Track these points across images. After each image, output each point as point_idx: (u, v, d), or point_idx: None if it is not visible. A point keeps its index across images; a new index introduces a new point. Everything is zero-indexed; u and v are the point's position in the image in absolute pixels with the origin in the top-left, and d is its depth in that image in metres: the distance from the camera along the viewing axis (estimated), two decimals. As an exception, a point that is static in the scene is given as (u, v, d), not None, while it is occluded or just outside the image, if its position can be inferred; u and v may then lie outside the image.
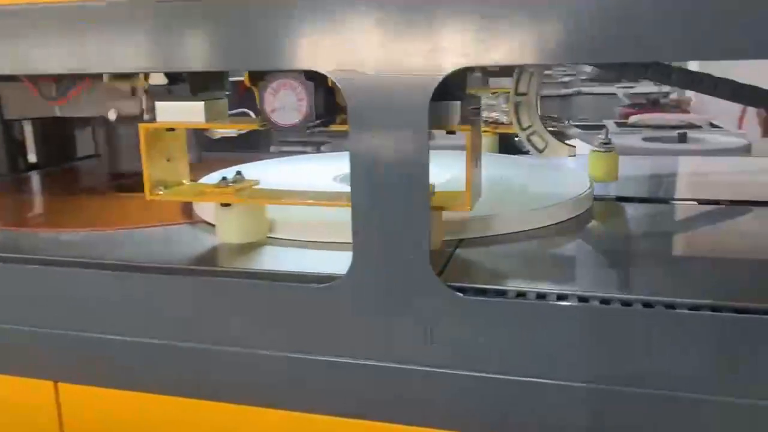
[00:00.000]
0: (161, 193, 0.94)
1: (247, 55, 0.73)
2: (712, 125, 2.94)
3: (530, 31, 0.64)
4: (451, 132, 0.82)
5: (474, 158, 0.82)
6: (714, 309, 0.68)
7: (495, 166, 1.29)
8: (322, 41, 0.69)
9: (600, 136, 1.24)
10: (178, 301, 0.82)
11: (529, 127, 1.16)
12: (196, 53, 0.74)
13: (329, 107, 0.85)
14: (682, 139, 2.17)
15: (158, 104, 0.89)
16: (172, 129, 0.94)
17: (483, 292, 0.75)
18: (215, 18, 0.72)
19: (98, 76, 1.28)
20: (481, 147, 0.93)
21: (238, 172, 0.95)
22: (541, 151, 1.19)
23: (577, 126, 3.25)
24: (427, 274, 0.72)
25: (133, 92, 1.35)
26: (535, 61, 0.65)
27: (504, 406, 0.73)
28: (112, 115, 1.34)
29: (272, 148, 2.43)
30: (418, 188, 0.70)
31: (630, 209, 1.15)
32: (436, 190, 0.86)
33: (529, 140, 1.17)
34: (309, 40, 0.70)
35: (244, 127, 1.01)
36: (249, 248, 0.92)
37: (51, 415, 0.90)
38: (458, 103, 0.80)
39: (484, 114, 1.40)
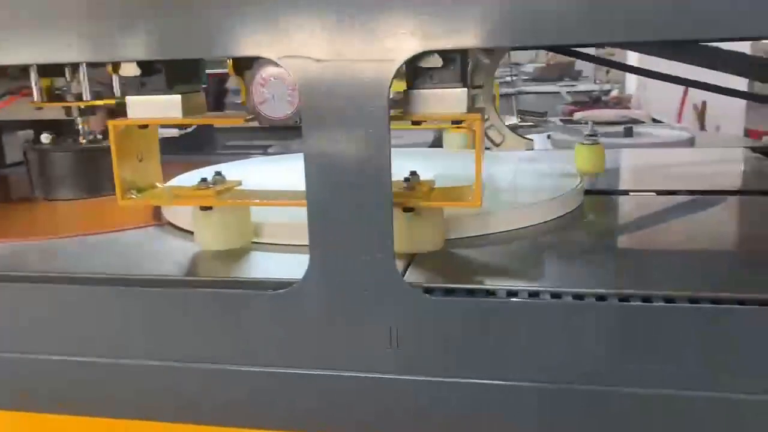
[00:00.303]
0: (134, 197, 0.85)
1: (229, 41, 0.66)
2: (654, 120, 3.00)
3: (490, 14, 0.60)
4: (457, 122, 0.77)
5: (482, 149, 0.76)
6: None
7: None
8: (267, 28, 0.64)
9: (585, 130, 1.21)
10: (120, 315, 0.75)
11: (486, 120, 1.13)
12: (172, 40, 0.67)
13: None
14: (628, 133, 2.19)
15: (130, 98, 0.80)
16: (145, 126, 0.86)
17: (451, 291, 0.70)
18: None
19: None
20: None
21: (218, 173, 0.87)
22: (498, 145, 1.17)
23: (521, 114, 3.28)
24: (392, 274, 0.67)
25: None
26: (498, 45, 0.62)
27: (468, 409, 0.68)
28: (45, 139, 1.26)
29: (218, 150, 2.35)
30: (379, 184, 0.66)
31: (607, 202, 1.13)
32: (436, 185, 0.81)
33: (485, 134, 1.15)
34: (255, 27, 0.64)
35: (227, 122, 0.93)
36: (231, 255, 0.84)
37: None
38: (465, 89, 0.73)
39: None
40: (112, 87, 1.26)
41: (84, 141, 1.26)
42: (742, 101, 3.28)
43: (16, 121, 1.46)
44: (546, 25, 0.60)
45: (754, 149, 1.56)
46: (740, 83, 1.32)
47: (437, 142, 1.78)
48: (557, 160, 1.30)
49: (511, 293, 0.69)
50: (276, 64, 0.68)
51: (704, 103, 4.11)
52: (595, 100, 4.94)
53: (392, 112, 0.72)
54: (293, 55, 0.64)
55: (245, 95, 0.77)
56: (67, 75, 1.26)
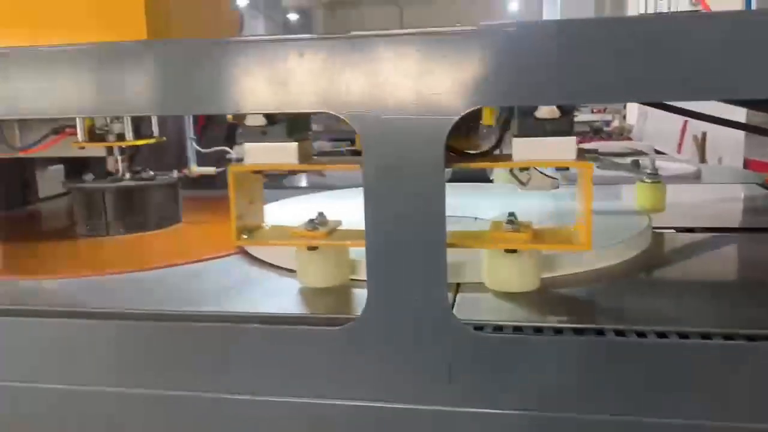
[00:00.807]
0: (246, 237, 0.91)
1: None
2: (656, 151, 3.06)
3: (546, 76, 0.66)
4: (564, 168, 0.81)
5: (591, 195, 0.80)
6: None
7: (539, 198, 1.27)
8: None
9: (647, 168, 1.25)
10: (187, 348, 0.80)
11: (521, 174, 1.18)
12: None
13: None
14: (635, 166, 2.24)
15: (249, 145, 0.85)
16: (259, 171, 0.91)
17: (500, 329, 0.75)
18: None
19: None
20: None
21: (320, 213, 0.91)
22: (524, 184, 1.22)
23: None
24: (446, 312, 0.72)
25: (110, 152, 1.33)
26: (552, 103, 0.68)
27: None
28: (88, 177, 1.31)
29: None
30: (435, 228, 0.71)
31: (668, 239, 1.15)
32: (535, 226, 0.86)
33: (513, 174, 1.20)
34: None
35: (342, 168, 0.97)
36: (332, 291, 0.89)
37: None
38: (573, 138, 0.79)
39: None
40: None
41: (128, 177, 1.32)
42: (740, 133, 3.35)
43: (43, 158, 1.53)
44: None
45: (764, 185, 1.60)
46: (739, 114, 1.36)
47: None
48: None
49: (558, 330, 0.74)
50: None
51: (704, 134, 4.17)
52: (596, 131, 5.01)
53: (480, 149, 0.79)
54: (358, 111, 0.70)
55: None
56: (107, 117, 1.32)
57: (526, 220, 0.88)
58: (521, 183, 1.21)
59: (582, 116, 5.93)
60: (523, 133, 0.80)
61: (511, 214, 0.87)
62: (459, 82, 0.68)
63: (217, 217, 1.47)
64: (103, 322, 0.82)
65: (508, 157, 0.83)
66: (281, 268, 1.00)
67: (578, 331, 0.74)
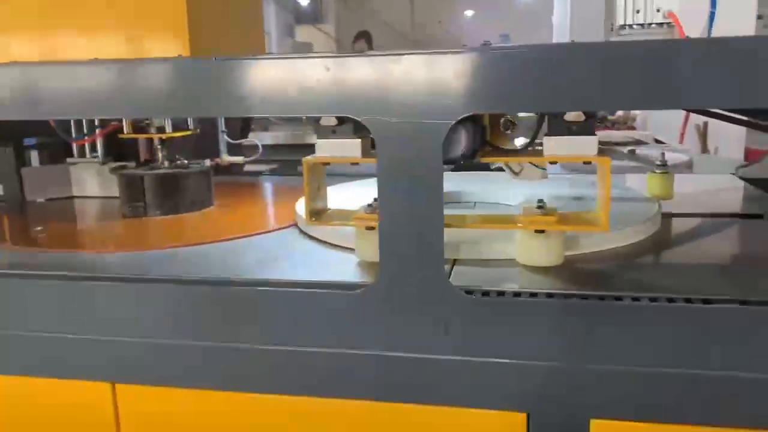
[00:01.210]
0: (314, 220, 1.07)
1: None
2: (657, 141, 3.19)
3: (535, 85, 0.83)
4: (587, 162, 0.97)
5: (608, 184, 0.96)
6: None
7: (560, 187, 1.45)
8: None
9: (657, 160, 1.40)
10: (240, 310, 0.97)
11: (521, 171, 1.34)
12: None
13: (479, 142, 1.01)
14: (633, 155, 2.39)
15: (320, 141, 1.01)
16: (327, 163, 1.07)
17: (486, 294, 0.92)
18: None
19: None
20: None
21: (376, 199, 1.03)
22: (517, 174, 1.38)
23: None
24: (443, 280, 0.89)
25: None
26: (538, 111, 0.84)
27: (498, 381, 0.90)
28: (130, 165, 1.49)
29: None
30: (435, 212, 0.88)
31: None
32: (559, 210, 1.00)
33: (507, 164, 1.36)
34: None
35: None
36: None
37: (108, 415, 1.03)
38: (595, 137, 0.95)
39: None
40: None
41: (166, 165, 1.49)
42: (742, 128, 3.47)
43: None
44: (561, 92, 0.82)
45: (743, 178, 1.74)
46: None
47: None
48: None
49: (533, 294, 0.91)
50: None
51: (705, 124, 4.28)
52: (600, 120, 5.12)
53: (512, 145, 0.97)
54: (376, 116, 0.86)
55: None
56: None
57: (552, 205, 1.03)
58: (514, 173, 1.37)
59: (588, 104, 6.02)
60: (553, 133, 0.96)
61: (540, 200, 1.02)
62: (454, 93, 0.84)
63: (245, 201, 1.65)
64: (174, 285, 1.01)
65: (539, 153, 1.00)
66: (331, 243, 1.18)
67: (550, 296, 0.91)
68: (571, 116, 0.94)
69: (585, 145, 0.96)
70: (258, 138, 1.60)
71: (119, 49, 1.22)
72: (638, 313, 0.86)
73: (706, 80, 0.79)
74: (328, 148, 1.02)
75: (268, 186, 1.92)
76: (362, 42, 8.01)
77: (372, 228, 1.02)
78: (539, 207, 1.01)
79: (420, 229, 0.89)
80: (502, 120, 1.08)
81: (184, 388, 1.01)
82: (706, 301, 0.87)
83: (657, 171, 1.39)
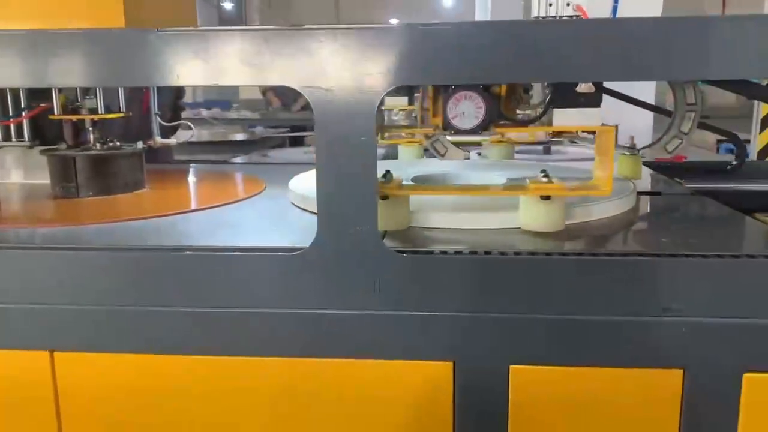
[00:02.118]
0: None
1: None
2: (571, 141, 3.40)
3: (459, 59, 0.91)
4: (592, 132, 1.04)
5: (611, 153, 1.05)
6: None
7: (528, 170, 1.51)
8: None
9: (626, 144, 1.50)
10: (177, 274, 1.01)
11: (433, 135, 1.44)
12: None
13: (494, 114, 1.06)
14: (547, 151, 2.56)
15: None
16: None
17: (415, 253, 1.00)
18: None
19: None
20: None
21: (388, 171, 1.11)
22: (442, 155, 1.47)
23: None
24: (378, 241, 0.96)
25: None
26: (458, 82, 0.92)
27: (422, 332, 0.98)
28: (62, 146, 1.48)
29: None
30: (368, 177, 0.95)
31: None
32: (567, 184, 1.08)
33: (433, 146, 1.45)
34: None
35: (418, 131, 1.23)
36: (397, 234, 1.10)
37: (47, 384, 1.04)
38: (598, 109, 1.02)
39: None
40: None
41: (98, 147, 1.49)
42: (649, 120, 3.74)
43: None
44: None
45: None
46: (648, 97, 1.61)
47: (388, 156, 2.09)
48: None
49: (458, 252, 0.99)
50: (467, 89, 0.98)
51: (617, 126, 4.58)
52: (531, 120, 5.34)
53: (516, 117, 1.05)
54: (311, 85, 0.93)
55: (432, 111, 1.03)
56: (78, 93, 1.50)
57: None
58: (440, 154, 1.46)
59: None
60: (562, 105, 1.04)
61: (544, 170, 1.10)
62: (384, 65, 0.91)
63: (178, 184, 1.67)
64: (111, 252, 1.04)
65: (549, 123, 1.07)
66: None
67: (473, 253, 0.99)
68: (582, 88, 1.01)
69: (590, 117, 1.04)
70: (186, 124, 1.62)
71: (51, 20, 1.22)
72: (545, 266, 0.96)
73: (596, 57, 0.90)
74: None
75: (199, 171, 1.94)
76: None
77: (386, 198, 1.07)
78: (545, 176, 1.08)
79: (355, 192, 0.95)
80: (512, 94, 1.14)
81: (122, 353, 1.03)
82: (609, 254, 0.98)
83: (627, 153, 1.52)
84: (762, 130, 5.06)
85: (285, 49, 0.93)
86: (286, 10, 15.42)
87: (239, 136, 4.35)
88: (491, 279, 0.97)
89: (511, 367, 0.97)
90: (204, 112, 5.60)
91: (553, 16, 1.34)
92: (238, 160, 2.53)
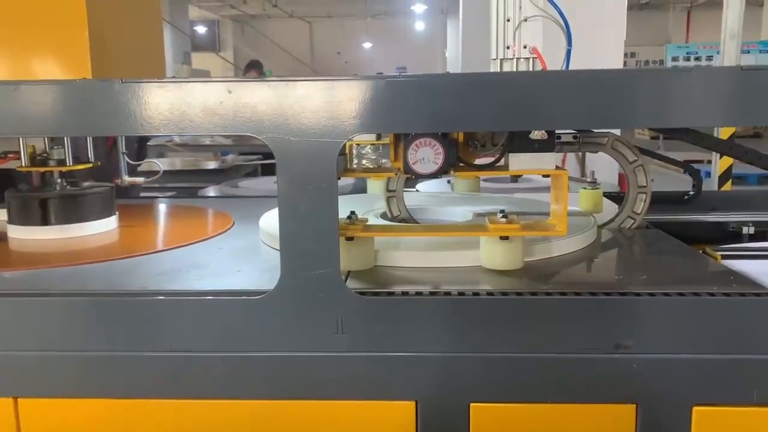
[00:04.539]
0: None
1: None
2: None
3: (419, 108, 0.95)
4: (546, 175, 1.08)
5: (565, 195, 1.09)
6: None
7: (493, 203, 1.55)
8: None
9: (587, 177, 1.54)
10: (142, 319, 1.02)
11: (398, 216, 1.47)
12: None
13: (453, 158, 1.09)
14: (514, 179, 2.61)
15: None
16: None
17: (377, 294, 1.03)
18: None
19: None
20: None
21: (353, 212, 1.13)
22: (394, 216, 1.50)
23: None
24: (339, 283, 0.99)
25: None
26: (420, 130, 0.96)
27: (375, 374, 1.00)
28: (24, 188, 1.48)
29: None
30: (330, 220, 0.97)
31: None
32: (521, 221, 1.10)
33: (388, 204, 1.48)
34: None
35: (382, 176, 1.25)
36: (362, 274, 1.12)
37: (11, 430, 1.04)
38: (553, 154, 1.07)
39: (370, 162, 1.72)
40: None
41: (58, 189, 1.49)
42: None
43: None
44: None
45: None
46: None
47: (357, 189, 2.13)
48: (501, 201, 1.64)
49: (419, 293, 1.02)
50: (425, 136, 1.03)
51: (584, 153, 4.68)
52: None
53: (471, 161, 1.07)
54: (274, 134, 0.95)
55: (394, 155, 1.08)
56: (45, 143, 1.49)
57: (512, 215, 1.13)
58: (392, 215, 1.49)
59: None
60: (517, 150, 1.09)
61: (502, 210, 1.13)
62: (346, 115, 0.95)
63: (143, 221, 1.67)
64: (75, 298, 1.05)
65: (505, 168, 1.12)
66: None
67: (434, 293, 1.02)
68: (535, 134, 1.06)
69: (545, 161, 1.09)
70: (154, 164, 1.64)
71: (17, 70, 1.24)
72: (502, 306, 0.99)
73: (556, 104, 0.94)
74: None
75: (167, 207, 1.95)
76: (254, 72, 8.07)
77: (351, 239, 1.10)
78: (504, 216, 1.12)
79: (317, 236, 0.98)
80: (470, 139, 1.16)
81: (87, 398, 1.04)
82: (563, 294, 1.01)
83: (588, 187, 1.56)
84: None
85: (247, 98, 0.95)
86: (260, 35, 15.51)
87: (211, 165, 4.37)
88: (451, 319, 0.99)
89: (472, 404, 1.00)
90: (176, 138, 5.59)
91: (510, 59, 1.39)
92: (208, 191, 2.55)
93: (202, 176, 4.00)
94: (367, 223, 1.15)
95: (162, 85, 0.95)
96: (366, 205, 1.55)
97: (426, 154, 1.05)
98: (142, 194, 2.41)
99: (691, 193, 1.84)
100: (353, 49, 16.16)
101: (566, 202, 1.10)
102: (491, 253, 1.13)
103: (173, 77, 0.94)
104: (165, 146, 5.39)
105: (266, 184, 2.81)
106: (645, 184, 1.40)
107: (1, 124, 0.99)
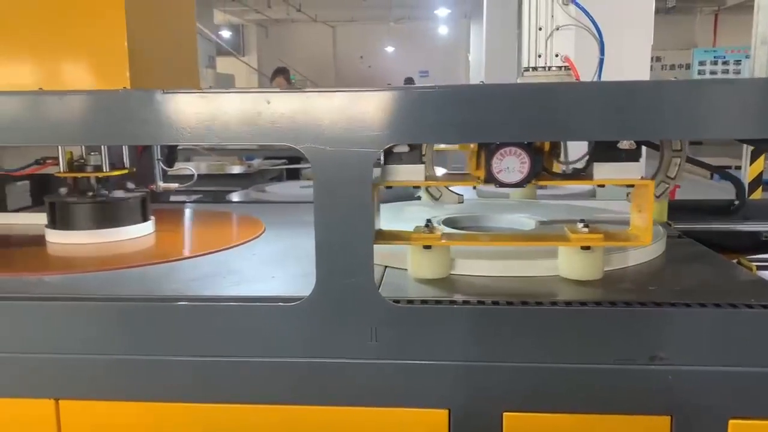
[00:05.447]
0: (377, 239, 1.07)
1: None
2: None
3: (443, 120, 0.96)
4: (630, 185, 1.08)
5: (650, 205, 1.07)
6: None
7: (549, 210, 1.56)
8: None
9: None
10: (179, 324, 1.04)
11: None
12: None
13: (538, 168, 1.07)
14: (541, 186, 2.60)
15: (388, 166, 1.07)
16: (390, 187, 1.12)
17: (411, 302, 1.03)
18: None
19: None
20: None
21: (429, 220, 1.14)
22: (437, 199, 1.51)
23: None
24: (373, 291, 1.00)
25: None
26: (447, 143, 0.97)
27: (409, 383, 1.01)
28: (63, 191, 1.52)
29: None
30: (365, 227, 0.98)
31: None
32: (603, 230, 1.09)
33: (427, 190, 1.49)
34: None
35: (464, 184, 1.20)
36: (438, 282, 1.13)
37: (52, 430, 1.07)
38: (639, 163, 1.06)
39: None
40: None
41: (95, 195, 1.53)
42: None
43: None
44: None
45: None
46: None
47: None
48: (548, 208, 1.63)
49: (452, 302, 1.03)
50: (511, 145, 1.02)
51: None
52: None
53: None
54: (311, 144, 0.97)
55: (474, 163, 1.07)
56: (82, 150, 1.53)
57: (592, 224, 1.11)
58: (434, 198, 1.50)
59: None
60: (602, 159, 1.08)
61: (582, 220, 1.11)
62: (381, 125, 0.96)
63: (175, 227, 1.70)
64: (117, 303, 1.07)
65: (589, 176, 1.10)
66: None
67: (466, 302, 1.03)
68: (624, 144, 1.05)
69: (630, 170, 1.07)
70: (186, 169, 1.67)
71: (70, 80, 1.28)
72: (537, 316, 0.99)
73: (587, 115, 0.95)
74: (398, 173, 1.09)
75: (199, 212, 1.98)
76: (281, 78, 8.13)
77: (429, 247, 1.10)
78: (585, 225, 1.10)
79: (351, 244, 0.99)
80: (554, 148, 1.15)
81: (126, 401, 1.06)
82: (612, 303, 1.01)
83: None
84: (753, 160, 5.14)
85: (285, 109, 0.97)
86: (284, 40, 15.63)
87: (236, 169, 4.41)
88: (485, 328, 1.00)
89: (505, 413, 1.00)
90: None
91: (542, 67, 1.39)
92: (235, 197, 2.57)
93: (228, 180, 4.04)
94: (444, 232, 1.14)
95: (203, 95, 0.97)
96: (422, 213, 1.54)
97: (511, 164, 1.04)
98: (171, 199, 2.45)
99: (736, 202, 1.79)
100: (376, 54, 16.20)
101: (651, 213, 1.09)
102: (570, 263, 1.12)
103: (210, 87, 0.96)
104: (192, 150, 5.46)
105: (293, 188, 2.84)
106: (680, 148, 1.37)
107: (46, 133, 1.02)
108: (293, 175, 4.45)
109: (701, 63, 9.98)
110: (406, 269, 1.17)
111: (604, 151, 1.08)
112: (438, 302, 1.03)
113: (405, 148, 1.09)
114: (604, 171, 1.09)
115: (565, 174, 1.17)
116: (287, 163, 4.57)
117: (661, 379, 0.97)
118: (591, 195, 2.58)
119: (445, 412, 1.01)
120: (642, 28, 3.36)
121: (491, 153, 1.05)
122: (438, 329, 1.00)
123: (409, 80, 12.01)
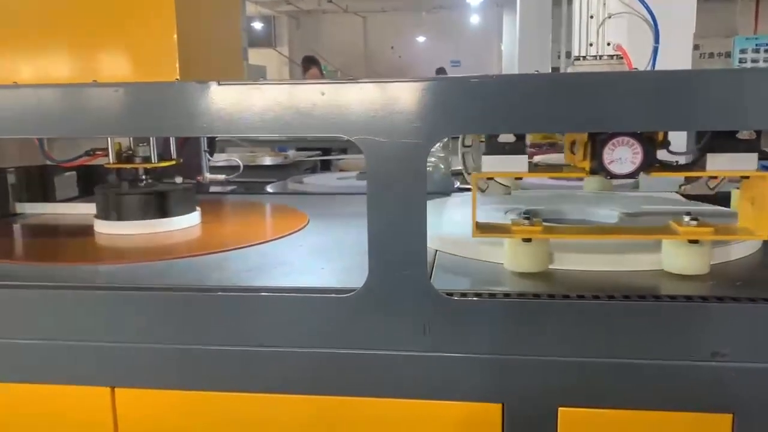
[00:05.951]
0: (479, 232, 1.08)
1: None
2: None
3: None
4: (745, 177, 1.04)
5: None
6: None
7: (623, 202, 1.53)
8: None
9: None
10: (232, 314, 1.05)
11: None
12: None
13: (651, 158, 1.03)
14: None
15: (486, 157, 1.06)
16: (491, 178, 1.12)
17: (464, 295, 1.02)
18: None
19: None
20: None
21: (527, 211, 1.12)
22: (483, 191, 1.50)
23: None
24: (426, 283, 0.99)
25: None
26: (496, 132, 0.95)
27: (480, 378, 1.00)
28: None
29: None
30: (418, 221, 0.98)
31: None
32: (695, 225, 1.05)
33: (475, 182, 1.47)
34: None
35: (570, 176, 1.14)
36: (537, 276, 1.11)
37: (107, 420, 1.09)
38: (755, 154, 1.02)
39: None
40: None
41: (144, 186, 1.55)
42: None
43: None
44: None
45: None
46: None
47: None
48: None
49: (506, 294, 1.01)
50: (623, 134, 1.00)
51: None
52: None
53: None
54: (364, 135, 0.96)
55: (581, 153, 1.05)
56: (130, 141, 1.55)
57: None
58: (481, 190, 1.49)
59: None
60: (717, 150, 1.03)
61: (689, 213, 1.07)
62: (435, 116, 0.95)
63: (219, 218, 1.72)
64: (171, 293, 1.08)
65: (701, 168, 1.06)
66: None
67: (521, 295, 1.01)
68: (743, 134, 1.01)
69: (747, 161, 1.03)
70: (232, 160, 1.68)
71: (118, 72, 1.29)
72: (588, 310, 0.98)
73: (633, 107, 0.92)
74: (497, 163, 1.07)
75: (240, 204, 2.00)
76: (315, 68, 8.14)
77: (529, 240, 1.08)
78: (693, 219, 1.06)
79: (405, 237, 0.98)
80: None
81: (181, 390, 1.07)
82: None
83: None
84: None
85: (339, 100, 0.96)
86: (315, 30, 15.66)
87: (271, 160, 4.43)
88: (538, 322, 0.99)
89: (560, 408, 0.99)
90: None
91: (593, 56, 1.36)
92: (272, 188, 2.59)
93: (263, 172, 4.06)
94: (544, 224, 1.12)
95: (257, 87, 0.97)
96: (493, 205, 1.52)
97: (623, 154, 1.01)
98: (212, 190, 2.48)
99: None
100: (407, 44, 16.12)
101: (766, 206, 1.03)
102: (676, 257, 1.08)
103: (262, 78, 0.95)
104: (226, 141, 5.51)
105: (330, 180, 2.84)
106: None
107: (104, 125, 1.03)
108: (325, 166, 4.45)
109: (742, 51, 9.71)
110: (455, 254, 1.18)
111: (722, 141, 1.03)
112: (491, 295, 1.02)
113: (511, 138, 1.06)
114: (718, 162, 1.04)
115: (677, 165, 1.13)
116: (321, 154, 4.57)
117: (723, 376, 0.95)
118: (634, 187, 2.54)
119: (498, 406, 1.00)
120: (683, 17, 3.28)
121: (603, 143, 1.01)
122: (492, 322, 0.99)
123: (440, 70, 11.93)
